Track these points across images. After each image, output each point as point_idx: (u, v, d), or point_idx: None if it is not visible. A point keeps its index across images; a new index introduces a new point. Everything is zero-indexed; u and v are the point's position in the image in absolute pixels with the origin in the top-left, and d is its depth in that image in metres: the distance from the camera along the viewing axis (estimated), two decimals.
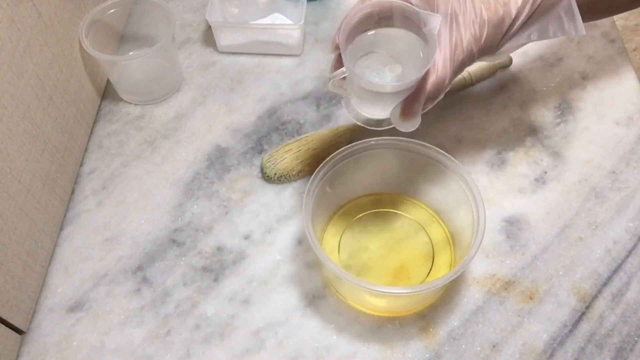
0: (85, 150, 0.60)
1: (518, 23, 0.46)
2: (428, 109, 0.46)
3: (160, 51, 0.58)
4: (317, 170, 0.48)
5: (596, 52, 0.65)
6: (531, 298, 0.49)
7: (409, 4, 0.43)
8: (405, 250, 0.51)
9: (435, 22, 0.42)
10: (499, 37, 0.46)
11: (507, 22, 0.46)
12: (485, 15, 0.45)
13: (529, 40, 0.48)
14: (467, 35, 0.44)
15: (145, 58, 0.59)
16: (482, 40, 0.45)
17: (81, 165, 0.59)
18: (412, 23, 0.44)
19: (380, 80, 0.46)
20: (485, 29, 0.45)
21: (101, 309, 0.50)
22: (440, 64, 0.44)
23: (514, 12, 0.46)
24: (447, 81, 0.44)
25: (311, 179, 0.48)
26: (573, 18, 0.48)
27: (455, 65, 0.45)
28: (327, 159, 0.49)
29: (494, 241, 0.52)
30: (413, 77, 0.43)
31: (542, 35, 0.48)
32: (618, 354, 0.46)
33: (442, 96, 0.45)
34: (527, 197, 0.55)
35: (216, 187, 0.57)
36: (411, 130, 0.46)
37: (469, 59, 0.45)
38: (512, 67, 0.64)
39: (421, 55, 0.45)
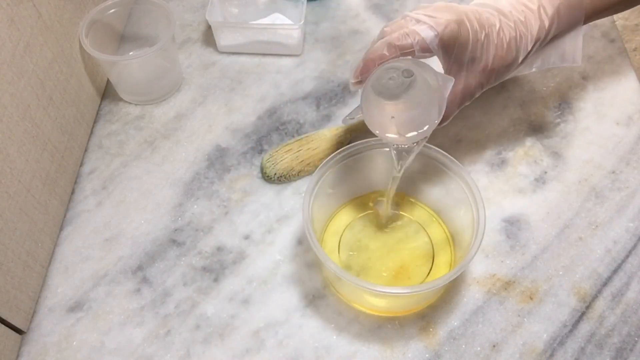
0: (85, 150, 0.60)
1: (523, 64, 0.48)
2: None
3: (160, 51, 0.58)
4: (317, 170, 0.48)
5: (596, 52, 0.65)
6: (531, 298, 0.49)
7: (430, 67, 0.44)
8: (405, 250, 0.51)
9: (449, 85, 0.44)
10: (502, 79, 0.49)
11: (514, 67, 0.48)
12: (496, 64, 0.47)
13: (530, 71, 0.50)
14: (474, 82, 0.47)
15: (145, 58, 0.59)
16: (487, 85, 0.48)
17: (81, 165, 0.59)
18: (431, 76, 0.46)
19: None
20: (493, 77, 0.47)
21: (101, 309, 0.50)
22: (447, 105, 0.46)
23: (521, 57, 0.47)
24: (450, 118, 0.48)
25: (311, 179, 0.48)
26: (575, 49, 0.49)
27: (459, 106, 0.48)
28: (327, 159, 0.49)
29: (494, 241, 0.52)
30: (420, 136, 0.46)
31: (542, 66, 0.50)
32: (618, 354, 0.46)
33: (446, 123, 0.49)
34: (527, 197, 0.55)
35: (216, 187, 0.57)
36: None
37: (472, 98, 0.48)
38: None
39: (433, 98, 0.46)
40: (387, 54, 0.44)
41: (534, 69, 0.51)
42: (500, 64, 0.47)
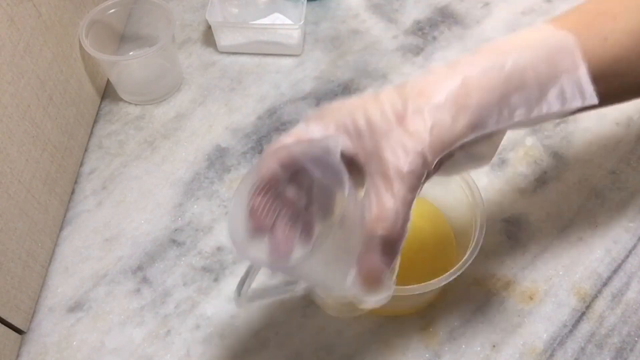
0: (85, 150, 0.60)
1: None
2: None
3: (160, 51, 0.58)
4: None
5: None
6: (531, 298, 0.49)
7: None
8: (405, 250, 0.51)
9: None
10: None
11: None
12: None
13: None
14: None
15: (145, 58, 0.59)
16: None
17: (81, 165, 0.59)
18: None
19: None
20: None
21: (101, 309, 0.50)
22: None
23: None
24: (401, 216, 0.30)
25: None
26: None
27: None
28: None
29: (494, 241, 0.52)
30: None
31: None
32: (618, 354, 0.46)
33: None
34: (527, 197, 0.55)
35: (216, 187, 0.57)
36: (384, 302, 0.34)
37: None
38: None
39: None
40: None
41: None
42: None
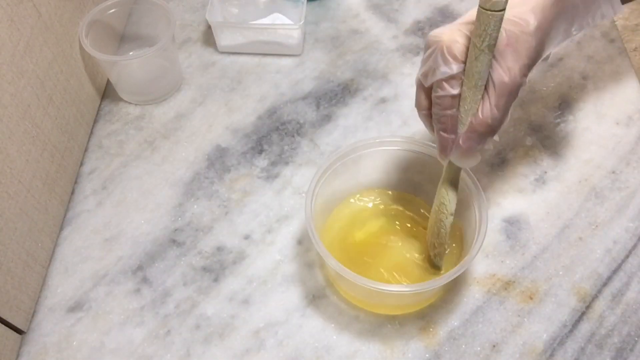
0: (85, 150, 0.60)
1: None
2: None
3: (160, 51, 0.58)
4: (317, 169, 0.48)
5: (596, 52, 0.65)
6: (531, 298, 0.49)
7: None
8: (406, 249, 0.51)
9: None
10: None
11: None
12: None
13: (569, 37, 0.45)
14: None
15: (145, 58, 0.59)
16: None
17: (81, 165, 0.59)
18: None
19: None
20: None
21: (101, 309, 0.50)
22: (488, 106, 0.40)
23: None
24: (498, 116, 0.40)
25: (312, 178, 0.48)
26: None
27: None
28: (328, 159, 0.49)
29: (494, 241, 0.52)
30: None
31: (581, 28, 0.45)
32: (618, 354, 0.46)
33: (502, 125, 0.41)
34: (527, 197, 0.55)
35: (216, 187, 0.57)
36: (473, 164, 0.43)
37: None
38: None
39: None
40: None
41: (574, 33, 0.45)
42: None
